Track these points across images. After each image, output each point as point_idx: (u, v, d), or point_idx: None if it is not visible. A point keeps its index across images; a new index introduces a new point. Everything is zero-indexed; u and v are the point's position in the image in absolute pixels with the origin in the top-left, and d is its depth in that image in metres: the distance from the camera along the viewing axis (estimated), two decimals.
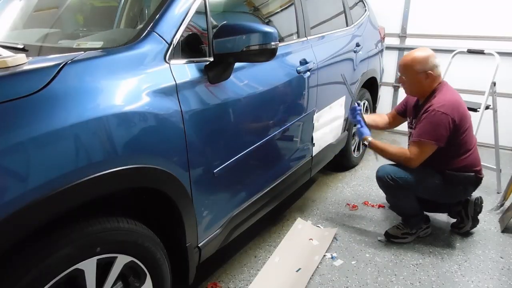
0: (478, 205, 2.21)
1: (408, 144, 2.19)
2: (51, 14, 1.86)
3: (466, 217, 2.22)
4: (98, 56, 1.16)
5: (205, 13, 1.48)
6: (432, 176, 2.08)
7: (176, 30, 1.35)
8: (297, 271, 1.94)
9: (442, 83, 2.08)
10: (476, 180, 2.11)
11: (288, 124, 1.99)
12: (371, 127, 2.41)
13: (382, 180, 2.11)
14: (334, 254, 2.08)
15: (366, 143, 2.19)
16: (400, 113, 2.40)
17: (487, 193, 2.77)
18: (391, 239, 2.19)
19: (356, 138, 3.13)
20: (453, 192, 2.12)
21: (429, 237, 2.25)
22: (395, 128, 2.64)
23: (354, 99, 2.51)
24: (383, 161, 2.19)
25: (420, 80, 2.05)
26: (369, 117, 2.42)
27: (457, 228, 2.28)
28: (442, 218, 2.43)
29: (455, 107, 1.96)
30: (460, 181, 2.07)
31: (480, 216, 2.29)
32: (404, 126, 2.47)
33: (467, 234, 2.27)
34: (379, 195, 2.71)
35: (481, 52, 2.84)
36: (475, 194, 2.24)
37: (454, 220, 2.31)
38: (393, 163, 2.14)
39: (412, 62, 2.05)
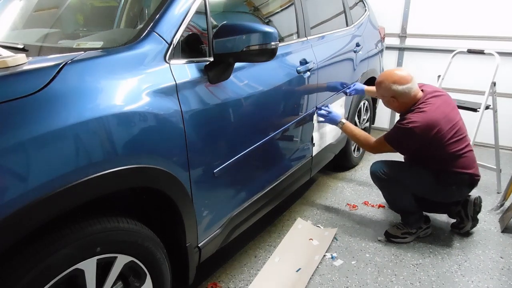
0: (477, 205, 2.21)
1: None
2: (51, 14, 1.86)
3: (466, 217, 2.22)
4: (98, 56, 1.16)
5: (205, 13, 1.48)
6: (425, 173, 2.10)
7: (176, 30, 1.35)
8: (297, 271, 1.94)
9: (424, 97, 2.02)
10: (471, 181, 2.10)
11: (288, 124, 1.99)
12: (369, 95, 2.84)
13: (375, 174, 2.19)
14: (334, 254, 2.08)
15: (340, 125, 2.30)
16: None
17: (487, 193, 2.78)
18: (391, 239, 2.20)
19: None
20: (446, 192, 2.12)
21: (429, 237, 2.25)
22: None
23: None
24: None
25: (389, 101, 2.11)
26: (369, 88, 2.66)
27: (457, 228, 2.28)
28: (442, 218, 2.43)
29: (429, 127, 1.93)
30: (453, 181, 2.07)
31: (480, 216, 2.29)
32: None
33: (467, 234, 2.27)
34: (379, 195, 2.70)
35: (481, 52, 2.84)
36: (474, 194, 2.24)
37: (454, 220, 2.31)
38: (387, 159, 2.22)
39: (379, 84, 2.08)
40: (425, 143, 1.98)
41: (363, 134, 2.26)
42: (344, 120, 2.29)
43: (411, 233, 2.20)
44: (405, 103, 2.05)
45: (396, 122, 2.08)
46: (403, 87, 2.00)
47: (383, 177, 2.15)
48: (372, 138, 2.21)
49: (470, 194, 2.23)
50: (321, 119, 2.33)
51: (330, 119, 2.30)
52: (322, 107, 2.31)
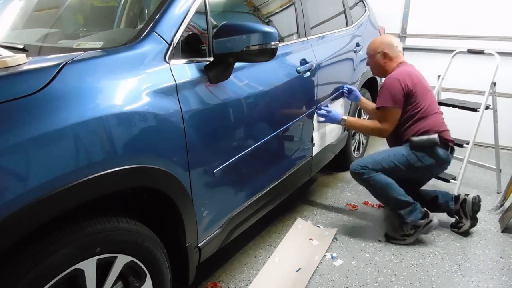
0: (475, 204, 2.21)
1: None
2: (51, 14, 1.86)
3: (464, 216, 2.23)
4: (98, 56, 1.16)
5: (205, 13, 1.48)
6: (398, 150, 2.17)
7: (176, 30, 1.35)
8: (297, 271, 1.94)
9: (402, 63, 2.26)
10: (443, 142, 2.13)
11: (288, 124, 1.99)
12: (361, 106, 2.67)
13: (355, 173, 2.20)
14: (334, 254, 2.08)
15: (343, 122, 2.34)
16: None
17: (487, 193, 2.78)
18: (391, 241, 2.20)
19: (356, 138, 3.16)
20: (423, 159, 2.12)
21: (429, 237, 2.25)
22: None
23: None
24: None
25: (378, 61, 2.29)
26: (364, 100, 2.65)
27: (456, 228, 2.28)
28: (442, 218, 2.42)
29: (406, 74, 2.13)
30: (424, 143, 2.11)
31: (480, 216, 2.29)
32: None
33: (467, 234, 2.27)
34: None
35: (481, 52, 2.84)
36: (473, 193, 2.23)
37: (453, 220, 2.31)
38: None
39: (370, 45, 2.34)
40: (409, 93, 2.10)
41: (369, 121, 2.33)
42: (345, 117, 2.32)
43: (409, 234, 2.19)
44: (390, 61, 2.26)
45: (380, 87, 2.22)
46: (398, 45, 2.29)
47: (361, 171, 2.15)
48: (378, 122, 2.24)
49: (468, 193, 2.23)
50: (322, 119, 2.33)
51: (331, 119, 2.32)
52: (322, 107, 2.31)
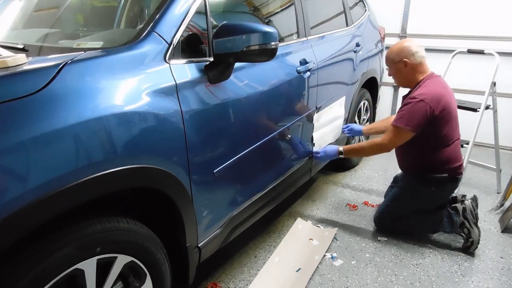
0: (474, 208, 2.12)
1: None
2: (51, 14, 1.86)
3: (470, 226, 2.08)
4: (98, 56, 1.16)
5: (205, 13, 1.48)
6: (404, 193, 2.22)
7: (176, 30, 1.35)
8: (297, 271, 1.94)
9: (430, 75, 2.10)
10: (453, 178, 2.11)
11: (288, 124, 1.99)
12: (370, 134, 2.67)
13: (378, 224, 2.32)
14: (334, 254, 2.08)
15: (341, 156, 2.29)
16: None
17: (487, 193, 2.78)
18: (472, 251, 2.09)
19: (356, 138, 3.14)
20: (428, 194, 2.16)
21: (429, 237, 2.24)
22: None
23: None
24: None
25: (400, 69, 2.12)
26: (366, 127, 2.62)
27: (469, 245, 2.08)
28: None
29: (436, 98, 1.97)
30: (431, 182, 2.11)
31: (480, 216, 2.28)
32: None
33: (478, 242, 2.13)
34: (379, 195, 2.71)
35: (481, 52, 2.83)
36: (473, 193, 2.21)
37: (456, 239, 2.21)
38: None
39: (389, 52, 2.16)
40: (433, 118, 1.96)
41: (367, 142, 2.22)
42: (341, 148, 2.28)
43: (468, 234, 2.07)
44: (413, 71, 2.09)
45: (404, 102, 2.07)
46: (419, 50, 2.07)
47: (385, 217, 2.27)
48: (376, 139, 2.16)
49: (463, 198, 2.17)
50: (319, 155, 2.35)
51: (328, 155, 2.32)
52: (314, 151, 2.35)
